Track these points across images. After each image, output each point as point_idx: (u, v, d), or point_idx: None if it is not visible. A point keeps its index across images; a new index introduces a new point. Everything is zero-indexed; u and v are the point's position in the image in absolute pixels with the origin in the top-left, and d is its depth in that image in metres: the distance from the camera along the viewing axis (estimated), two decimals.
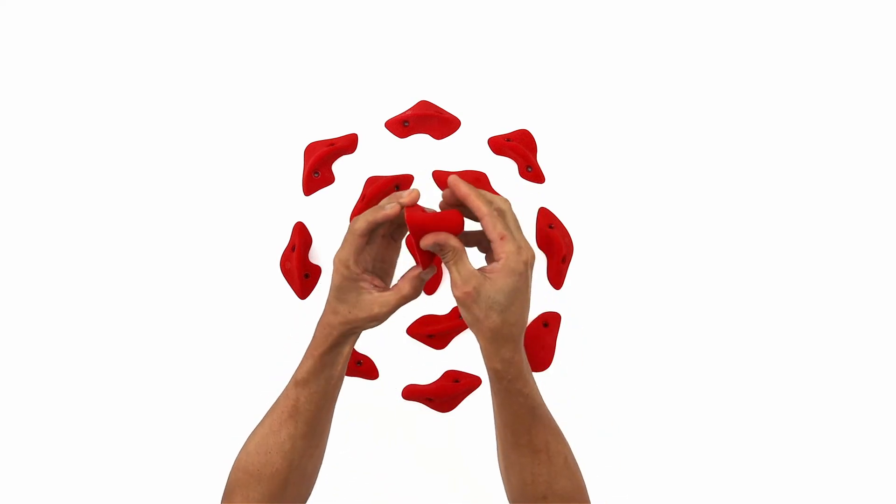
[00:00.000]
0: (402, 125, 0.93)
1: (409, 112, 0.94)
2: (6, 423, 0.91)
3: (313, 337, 0.68)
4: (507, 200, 0.60)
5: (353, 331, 0.67)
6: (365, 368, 0.89)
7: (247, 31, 0.99)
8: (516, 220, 0.59)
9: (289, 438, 0.66)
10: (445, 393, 0.88)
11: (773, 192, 0.95)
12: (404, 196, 0.61)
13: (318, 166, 0.91)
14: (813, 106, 0.97)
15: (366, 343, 0.89)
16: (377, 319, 0.65)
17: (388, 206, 0.61)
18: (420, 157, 0.91)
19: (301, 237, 0.90)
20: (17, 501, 0.89)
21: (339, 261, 0.64)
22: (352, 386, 0.90)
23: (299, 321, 0.90)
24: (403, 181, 0.90)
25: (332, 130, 0.94)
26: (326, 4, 0.99)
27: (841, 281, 0.93)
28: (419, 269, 0.64)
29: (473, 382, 0.88)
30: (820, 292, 0.93)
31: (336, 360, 0.68)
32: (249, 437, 0.68)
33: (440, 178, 0.90)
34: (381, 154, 0.92)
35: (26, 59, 0.99)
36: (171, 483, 0.82)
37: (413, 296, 0.64)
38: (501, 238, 0.56)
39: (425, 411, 0.88)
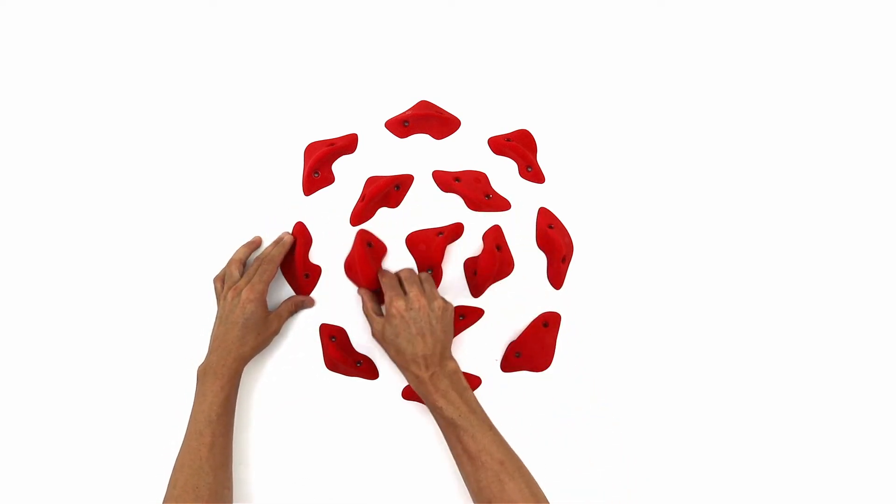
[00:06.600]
0: (402, 125, 0.93)
1: (409, 112, 0.94)
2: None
3: (212, 376, 0.79)
4: (411, 271, 0.84)
5: (254, 354, 0.83)
6: (365, 368, 0.89)
7: (247, 32, 0.99)
8: (413, 280, 0.82)
9: (211, 471, 0.75)
10: None
11: (773, 191, 0.95)
12: (285, 238, 0.88)
13: (318, 166, 0.91)
14: (813, 106, 0.97)
15: (366, 343, 0.89)
16: (277, 332, 0.86)
17: (286, 238, 0.88)
18: (420, 157, 0.91)
19: (301, 237, 0.90)
20: None
21: (259, 294, 0.82)
22: (352, 386, 0.90)
23: (299, 321, 0.90)
24: (403, 181, 0.90)
25: (332, 130, 0.94)
26: (326, 4, 0.99)
27: (842, 282, 0.93)
28: (311, 298, 0.89)
29: (472, 382, 0.88)
30: (821, 293, 0.93)
31: (237, 389, 0.82)
32: (172, 481, 0.74)
33: (440, 178, 0.90)
34: (381, 154, 0.92)
35: (26, 60, 0.99)
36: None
37: (295, 310, 0.88)
38: (384, 293, 0.81)
39: (425, 411, 0.88)
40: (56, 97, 0.98)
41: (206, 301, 0.89)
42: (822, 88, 0.98)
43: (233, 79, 0.97)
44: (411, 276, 0.82)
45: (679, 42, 0.98)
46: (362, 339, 0.89)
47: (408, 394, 0.89)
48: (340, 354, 0.88)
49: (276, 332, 0.85)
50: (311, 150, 0.93)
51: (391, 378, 0.89)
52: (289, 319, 0.89)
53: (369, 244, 0.86)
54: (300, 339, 0.90)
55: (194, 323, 0.89)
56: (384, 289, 0.81)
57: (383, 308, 0.84)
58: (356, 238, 0.86)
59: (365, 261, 0.84)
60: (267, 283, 0.83)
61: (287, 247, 0.87)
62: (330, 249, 0.89)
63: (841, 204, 0.95)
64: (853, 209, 0.95)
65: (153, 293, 0.93)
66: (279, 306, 0.86)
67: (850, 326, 0.92)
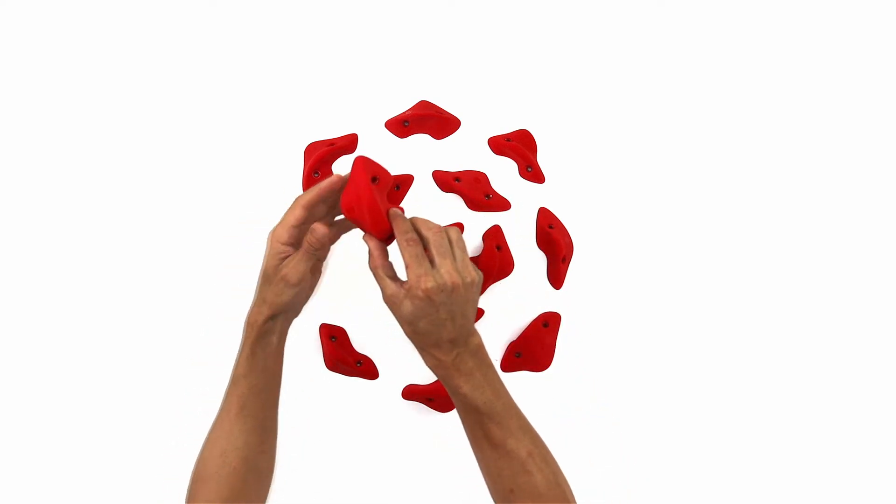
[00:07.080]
0: (402, 125, 0.93)
1: (409, 112, 0.94)
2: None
3: (243, 330, 0.71)
4: (439, 231, 0.65)
5: (279, 311, 0.70)
6: (365, 368, 0.89)
7: (247, 32, 0.99)
8: (444, 247, 0.64)
9: (241, 435, 0.67)
10: (445, 393, 0.88)
11: (773, 192, 0.95)
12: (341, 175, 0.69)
13: (318, 166, 0.91)
14: (813, 106, 0.97)
15: (366, 343, 0.89)
16: (287, 281, 0.68)
17: (331, 179, 0.68)
18: (420, 157, 0.91)
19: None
20: None
21: (272, 241, 0.68)
22: (352, 386, 0.90)
23: (299, 321, 0.90)
24: (403, 181, 0.90)
25: (332, 130, 0.94)
26: (326, 5, 0.99)
27: (841, 282, 0.93)
28: (315, 225, 0.68)
29: None
30: (820, 293, 0.93)
31: (267, 348, 0.71)
32: (203, 444, 0.69)
33: (440, 178, 0.90)
34: (381, 154, 0.92)
35: (26, 60, 0.99)
36: (169, 477, 0.82)
37: (309, 248, 0.68)
38: (407, 266, 0.63)
39: (425, 411, 0.88)
40: (56, 98, 0.98)
41: (206, 300, 0.89)
42: (822, 90, 0.98)
43: (233, 79, 0.97)
44: (442, 242, 0.64)
45: (679, 42, 0.98)
46: (362, 339, 0.89)
47: (408, 394, 0.89)
48: (340, 354, 0.88)
49: (286, 280, 0.68)
50: (311, 150, 0.93)
51: (391, 378, 0.89)
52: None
53: (374, 179, 0.67)
54: (300, 339, 0.90)
55: (194, 322, 0.89)
56: (407, 259, 0.63)
57: (391, 245, 0.68)
58: (357, 169, 0.66)
59: (373, 202, 0.65)
60: (284, 227, 0.67)
61: (321, 186, 0.69)
62: (329, 250, 0.89)
63: (842, 207, 0.95)
64: (855, 212, 0.95)
65: (152, 293, 0.92)
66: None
67: (849, 328, 0.92)
